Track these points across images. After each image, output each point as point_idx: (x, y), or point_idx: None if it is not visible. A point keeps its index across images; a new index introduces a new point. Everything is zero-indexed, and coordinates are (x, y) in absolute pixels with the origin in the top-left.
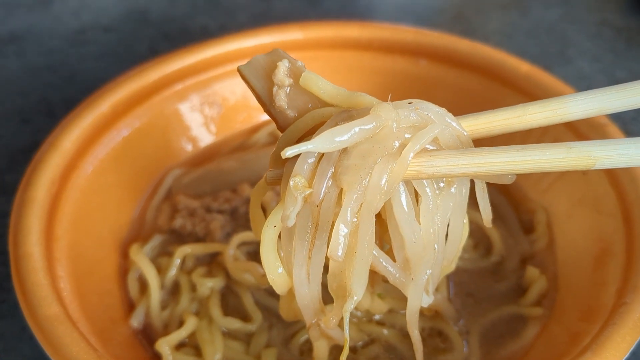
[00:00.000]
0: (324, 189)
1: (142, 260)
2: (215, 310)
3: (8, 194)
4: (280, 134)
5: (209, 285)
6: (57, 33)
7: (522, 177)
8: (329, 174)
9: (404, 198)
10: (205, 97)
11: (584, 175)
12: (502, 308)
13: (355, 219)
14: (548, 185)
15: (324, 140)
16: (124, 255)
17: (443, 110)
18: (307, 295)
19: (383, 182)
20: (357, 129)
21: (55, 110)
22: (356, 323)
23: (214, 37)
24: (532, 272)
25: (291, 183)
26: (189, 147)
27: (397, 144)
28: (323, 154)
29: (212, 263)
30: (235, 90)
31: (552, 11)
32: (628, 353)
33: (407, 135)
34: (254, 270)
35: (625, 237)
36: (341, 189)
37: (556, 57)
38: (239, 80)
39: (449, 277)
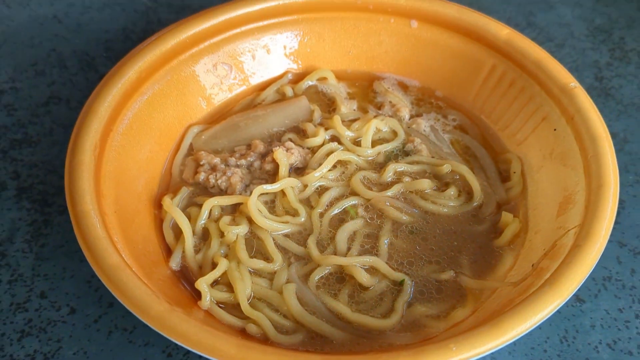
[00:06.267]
0: None
1: (174, 210)
2: (242, 253)
3: (33, 145)
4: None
5: (235, 231)
6: None
7: (500, 129)
8: None
9: None
10: (217, 58)
11: (554, 131)
12: (481, 246)
13: None
14: (523, 138)
15: None
16: (158, 206)
17: None
18: None
19: None
20: None
21: (67, 62)
22: None
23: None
24: (507, 216)
25: None
26: (204, 105)
27: None
28: None
29: (235, 212)
30: (243, 51)
31: None
32: (578, 287)
33: None
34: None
35: (585, 188)
36: None
37: (539, 2)
38: (247, 42)
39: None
